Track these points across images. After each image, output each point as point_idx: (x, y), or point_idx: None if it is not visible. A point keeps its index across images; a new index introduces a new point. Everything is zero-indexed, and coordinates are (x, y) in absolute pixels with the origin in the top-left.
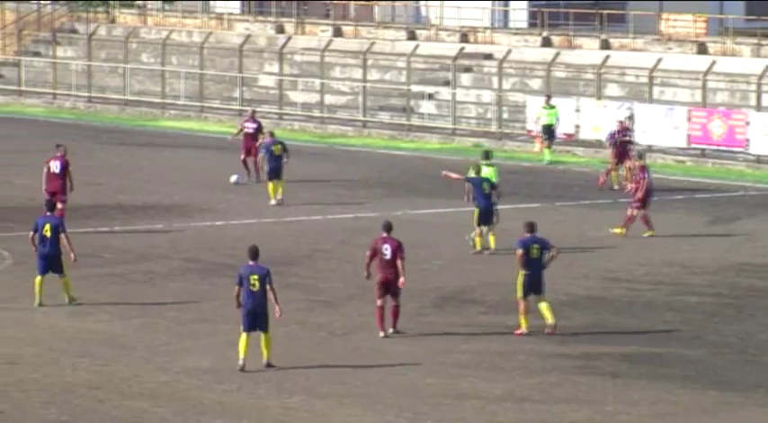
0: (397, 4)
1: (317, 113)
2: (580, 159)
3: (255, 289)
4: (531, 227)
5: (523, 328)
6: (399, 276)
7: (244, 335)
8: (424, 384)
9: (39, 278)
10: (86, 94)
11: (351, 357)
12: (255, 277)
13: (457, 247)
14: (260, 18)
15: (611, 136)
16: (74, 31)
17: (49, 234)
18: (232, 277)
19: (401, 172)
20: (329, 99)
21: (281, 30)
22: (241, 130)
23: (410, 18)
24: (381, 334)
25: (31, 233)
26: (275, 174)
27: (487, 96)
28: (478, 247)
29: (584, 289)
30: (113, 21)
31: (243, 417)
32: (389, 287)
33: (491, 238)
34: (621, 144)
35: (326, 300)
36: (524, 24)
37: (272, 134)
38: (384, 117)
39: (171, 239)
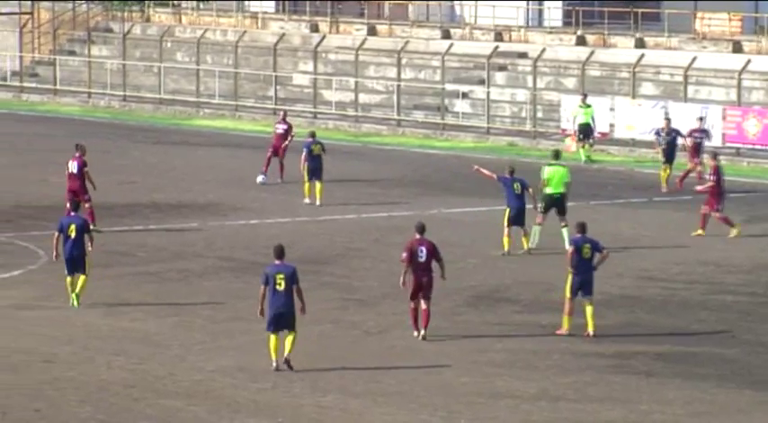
0: (431, 3)
1: (351, 112)
2: (615, 158)
3: (281, 288)
4: (582, 227)
5: (564, 329)
6: (432, 279)
7: (272, 336)
8: (459, 383)
9: (68, 278)
10: (121, 93)
11: (385, 356)
12: (281, 276)
13: (491, 245)
14: (294, 17)
15: (657, 134)
16: (109, 30)
17: (74, 234)
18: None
19: (435, 171)
20: (363, 98)
21: (315, 29)
22: (275, 131)
23: (444, 17)
24: (416, 333)
25: (56, 233)
26: (314, 174)
27: (522, 95)
28: (507, 249)
29: (618, 288)
30: (148, 20)
31: (277, 415)
32: (422, 290)
33: (523, 239)
34: (669, 143)
35: (361, 298)
36: (559, 23)
37: (312, 134)
38: (418, 116)
39: (205, 238)
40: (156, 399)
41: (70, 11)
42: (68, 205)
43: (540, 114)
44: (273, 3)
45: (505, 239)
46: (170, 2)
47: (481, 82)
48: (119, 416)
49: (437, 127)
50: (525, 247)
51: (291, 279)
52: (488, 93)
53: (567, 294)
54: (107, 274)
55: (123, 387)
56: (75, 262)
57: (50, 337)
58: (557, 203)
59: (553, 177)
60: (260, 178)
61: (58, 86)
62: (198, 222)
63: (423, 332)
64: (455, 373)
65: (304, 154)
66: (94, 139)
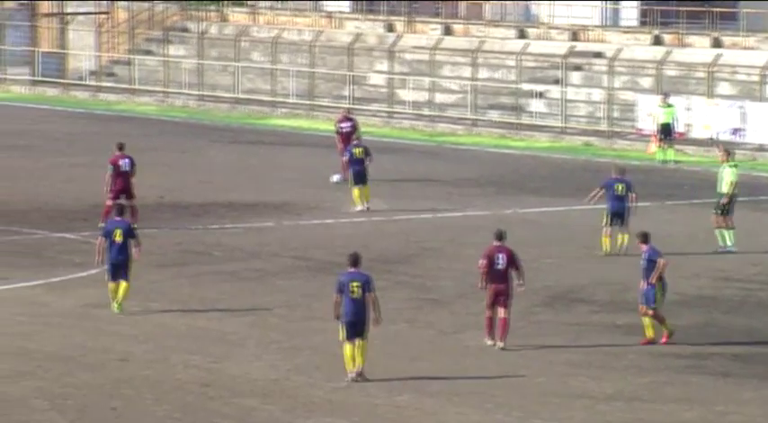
0: (507, 2)
1: (426, 112)
2: (691, 158)
3: (356, 296)
4: (646, 237)
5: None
6: (510, 287)
7: (347, 345)
8: (534, 383)
9: (111, 284)
10: (197, 93)
11: (460, 356)
12: (356, 284)
13: (566, 245)
14: (370, 17)
15: None
16: (185, 30)
17: (119, 239)
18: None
19: (511, 170)
20: (439, 97)
21: (390, 28)
22: (338, 131)
23: (520, 16)
24: (489, 342)
25: (100, 239)
26: (359, 178)
27: (597, 95)
28: (607, 250)
29: (695, 288)
30: (224, 19)
31: (352, 415)
32: (500, 298)
33: (623, 238)
34: None
35: (436, 298)
36: (635, 22)
37: (357, 138)
38: (494, 115)
39: (281, 237)
40: (231, 397)
41: (147, 10)
42: (113, 209)
43: (615, 114)
44: (349, 2)
45: (605, 239)
46: (246, 1)
47: (557, 81)
48: (194, 414)
49: (512, 127)
50: (624, 244)
51: (366, 287)
52: (564, 92)
53: (660, 304)
54: (183, 273)
55: (199, 386)
56: (119, 267)
57: (126, 335)
58: (731, 203)
59: (734, 178)
60: (335, 177)
61: (134, 86)
62: (273, 222)
63: (500, 344)
64: (530, 372)
65: (346, 158)
66: (171, 138)
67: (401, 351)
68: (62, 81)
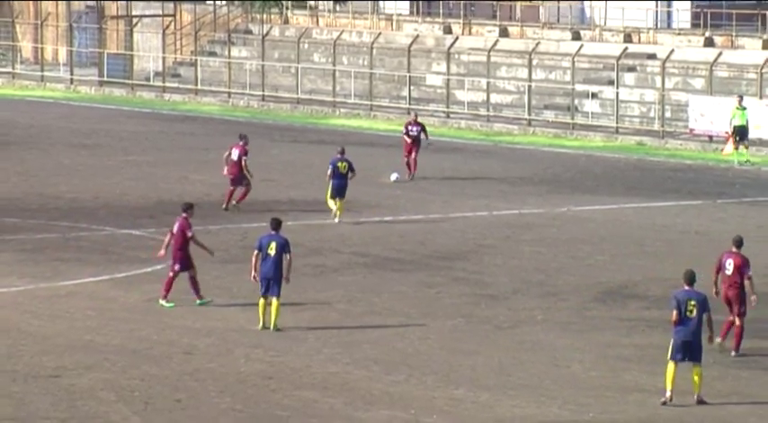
0: (562, 4)
1: (483, 112)
2: (742, 157)
3: (693, 316)
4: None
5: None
6: (741, 295)
7: (671, 364)
8: (587, 377)
9: (262, 300)
10: (260, 93)
11: (516, 350)
12: (693, 303)
13: (619, 242)
14: (428, 19)
15: None
16: (248, 32)
17: (273, 252)
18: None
19: (565, 169)
20: (495, 98)
21: (448, 30)
22: (406, 133)
23: (575, 18)
24: (718, 340)
25: (255, 252)
26: (338, 192)
27: (650, 95)
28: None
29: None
30: (286, 22)
31: (410, 407)
32: (730, 304)
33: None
34: None
35: (492, 294)
36: (687, 25)
37: (342, 151)
38: (549, 116)
39: (340, 234)
40: (292, 390)
41: (211, 13)
42: (270, 223)
43: (668, 114)
44: (408, 5)
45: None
46: (307, 2)
47: (610, 82)
48: (257, 407)
49: (567, 126)
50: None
51: (703, 306)
52: (617, 93)
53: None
54: (246, 269)
55: (261, 379)
56: (272, 282)
57: (191, 329)
58: None
59: None
60: (393, 176)
61: (198, 86)
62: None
63: (732, 353)
64: (584, 366)
65: (329, 171)
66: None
67: (458, 345)
68: (128, 82)
